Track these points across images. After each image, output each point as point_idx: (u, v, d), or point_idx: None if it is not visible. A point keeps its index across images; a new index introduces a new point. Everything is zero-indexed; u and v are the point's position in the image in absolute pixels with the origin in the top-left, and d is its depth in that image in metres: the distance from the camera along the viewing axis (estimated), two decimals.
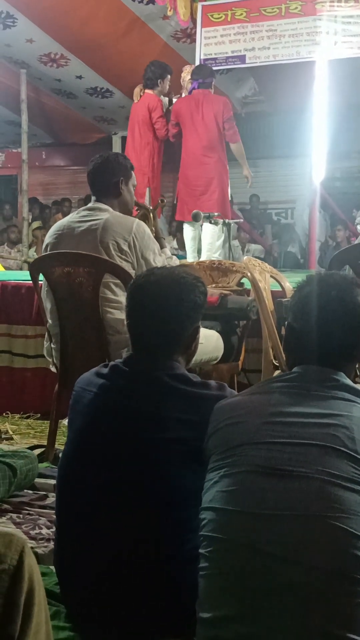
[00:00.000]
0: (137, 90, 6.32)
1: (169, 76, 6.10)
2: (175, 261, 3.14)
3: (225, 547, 1.36)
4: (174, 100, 6.21)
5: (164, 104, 6.11)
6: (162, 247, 3.03)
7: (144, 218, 3.26)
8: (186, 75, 6.24)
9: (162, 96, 6.14)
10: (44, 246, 3.04)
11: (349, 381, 1.52)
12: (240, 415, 1.50)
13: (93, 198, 2.98)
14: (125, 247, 2.80)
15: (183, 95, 6.19)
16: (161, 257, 2.94)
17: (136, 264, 2.84)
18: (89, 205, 2.97)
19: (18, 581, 1.05)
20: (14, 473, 2.58)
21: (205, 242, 5.82)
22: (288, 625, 1.24)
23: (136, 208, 3.37)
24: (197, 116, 5.78)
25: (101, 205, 2.91)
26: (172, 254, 3.27)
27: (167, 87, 6.15)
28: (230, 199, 6.13)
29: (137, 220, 2.94)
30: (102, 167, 2.95)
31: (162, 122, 6.00)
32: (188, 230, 5.98)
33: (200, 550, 1.41)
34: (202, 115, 5.76)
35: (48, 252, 2.92)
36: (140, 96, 6.22)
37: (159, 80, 6.05)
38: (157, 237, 3.02)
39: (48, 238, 3.01)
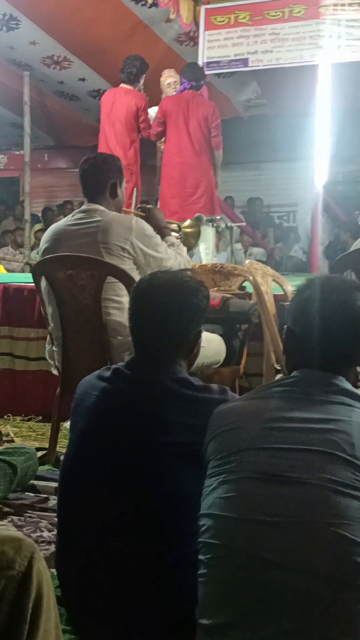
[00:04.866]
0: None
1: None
2: (181, 247, 3.11)
3: (224, 554, 1.35)
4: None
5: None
6: (163, 236, 3.00)
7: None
8: (165, 79, 6.11)
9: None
10: (40, 250, 3.02)
11: (348, 385, 1.50)
12: (239, 421, 1.49)
13: (86, 199, 2.94)
14: (127, 246, 2.78)
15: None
16: (164, 246, 2.90)
17: (143, 261, 2.82)
18: (83, 207, 2.92)
19: (26, 588, 1.04)
20: (14, 471, 2.57)
21: (202, 246, 5.77)
22: (288, 633, 1.24)
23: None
24: (188, 117, 5.66)
25: (97, 207, 2.87)
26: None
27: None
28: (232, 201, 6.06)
29: (135, 217, 2.91)
30: (98, 169, 2.92)
31: (148, 121, 5.81)
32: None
33: (200, 557, 1.40)
34: (193, 117, 5.66)
35: (50, 255, 2.91)
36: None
37: (140, 76, 5.82)
38: (159, 229, 3.00)
39: (44, 242, 2.98)
